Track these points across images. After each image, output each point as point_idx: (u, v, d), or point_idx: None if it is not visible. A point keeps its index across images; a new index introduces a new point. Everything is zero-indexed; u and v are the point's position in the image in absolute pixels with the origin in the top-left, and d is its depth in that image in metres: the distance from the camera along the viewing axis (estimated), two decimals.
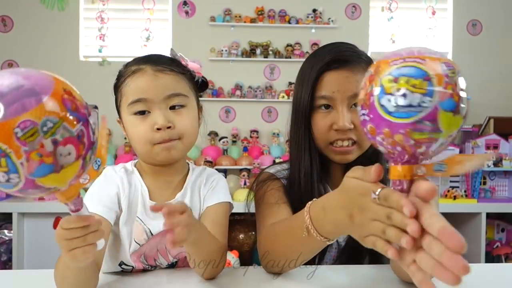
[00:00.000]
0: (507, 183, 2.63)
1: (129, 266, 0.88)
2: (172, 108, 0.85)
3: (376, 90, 0.49)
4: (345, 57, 0.89)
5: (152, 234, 0.86)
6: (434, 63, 0.47)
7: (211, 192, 0.93)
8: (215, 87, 2.98)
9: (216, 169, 2.77)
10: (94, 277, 0.76)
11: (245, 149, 2.82)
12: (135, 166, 0.92)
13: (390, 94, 0.47)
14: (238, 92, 2.97)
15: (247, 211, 1.02)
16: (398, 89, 0.47)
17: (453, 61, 0.49)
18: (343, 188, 0.60)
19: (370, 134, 0.51)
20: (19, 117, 0.41)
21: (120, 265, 0.88)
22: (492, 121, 2.79)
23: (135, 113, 0.83)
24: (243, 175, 2.56)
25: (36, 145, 0.41)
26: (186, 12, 3.02)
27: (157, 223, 0.86)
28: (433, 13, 3.10)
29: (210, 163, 2.60)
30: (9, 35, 2.96)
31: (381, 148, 0.52)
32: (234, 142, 2.92)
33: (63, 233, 0.56)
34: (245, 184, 2.51)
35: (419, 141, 0.48)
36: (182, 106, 0.86)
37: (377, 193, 0.53)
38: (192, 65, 0.91)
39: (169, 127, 0.82)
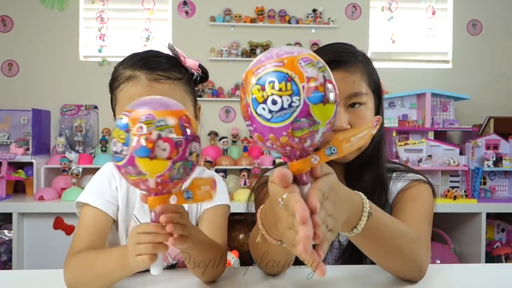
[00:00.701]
0: (507, 183, 2.63)
1: None
2: None
3: (250, 101, 0.51)
4: (341, 58, 0.89)
5: None
6: (292, 62, 0.49)
7: None
8: (215, 87, 2.98)
9: (216, 169, 2.78)
10: None
11: (245, 149, 2.82)
12: None
13: (262, 102, 0.49)
14: (238, 92, 2.97)
15: (247, 211, 1.02)
16: (267, 96, 0.49)
17: (311, 54, 0.51)
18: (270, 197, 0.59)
19: (260, 141, 0.53)
20: (145, 111, 0.57)
21: None
22: (492, 121, 2.79)
23: None
24: (243, 175, 2.55)
25: (147, 131, 0.55)
26: (186, 12, 3.02)
27: None
28: (433, 13, 3.10)
29: (210, 163, 2.60)
30: (9, 35, 2.96)
31: (273, 151, 0.54)
32: (234, 142, 2.92)
33: (137, 237, 0.63)
34: (245, 184, 2.51)
35: (303, 137, 0.50)
36: None
37: (282, 198, 0.52)
38: (190, 63, 0.89)
39: None
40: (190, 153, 0.58)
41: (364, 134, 0.56)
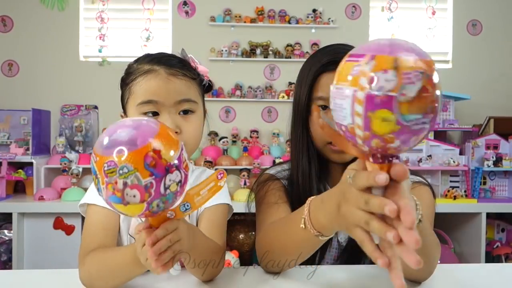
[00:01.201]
0: (507, 183, 2.63)
1: None
2: (181, 113, 0.85)
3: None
4: (341, 59, 0.90)
5: None
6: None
7: None
8: (215, 87, 2.98)
9: (216, 170, 2.78)
10: None
11: (245, 149, 2.82)
12: None
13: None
14: (238, 92, 2.98)
15: (247, 211, 1.03)
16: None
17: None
18: (341, 180, 0.60)
19: None
20: (108, 158, 0.54)
21: None
22: (492, 121, 2.79)
23: (144, 114, 0.84)
24: (243, 175, 2.55)
25: (112, 180, 0.54)
26: (186, 12, 3.02)
27: None
28: (433, 13, 3.10)
29: (210, 163, 2.60)
30: (9, 35, 2.96)
31: None
32: (234, 142, 2.92)
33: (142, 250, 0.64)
34: (245, 184, 2.51)
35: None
36: (191, 112, 0.86)
37: (350, 176, 0.53)
38: (201, 69, 0.91)
39: (176, 132, 0.82)
40: (166, 188, 0.56)
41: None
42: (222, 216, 0.93)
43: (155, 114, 0.84)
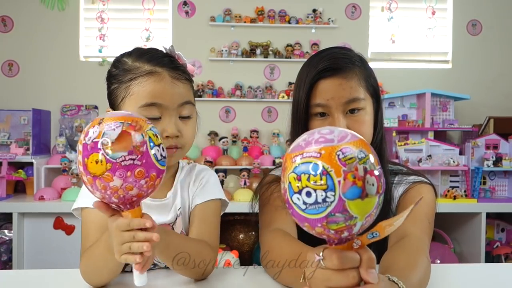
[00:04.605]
0: (507, 183, 2.63)
1: None
2: (181, 117, 0.86)
3: (287, 187, 0.49)
4: (337, 65, 0.90)
5: None
6: (329, 154, 0.47)
7: (200, 190, 0.93)
8: (215, 87, 2.98)
9: (216, 169, 2.78)
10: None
11: (245, 149, 2.82)
12: None
13: (297, 192, 0.48)
14: (238, 92, 2.98)
15: (251, 211, 1.03)
16: (302, 188, 0.47)
17: (353, 141, 0.48)
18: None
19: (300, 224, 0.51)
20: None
21: None
22: (492, 121, 2.79)
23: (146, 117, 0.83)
24: (243, 175, 2.55)
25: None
26: (186, 12, 3.02)
27: None
28: (433, 13, 3.10)
29: (210, 163, 2.60)
30: (9, 35, 2.96)
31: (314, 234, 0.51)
32: (234, 142, 2.92)
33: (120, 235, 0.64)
34: (245, 184, 2.51)
35: (339, 230, 0.48)
36: (190, 115, 0.87)
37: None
38: (189, 67, 0.91)
39: (176, 136, 0.84)
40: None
41: (403, 219, 0.52)
42: (213, 213, 0.92)
43: (156, 118, 0.83)
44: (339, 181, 0.46)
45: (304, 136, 0.50)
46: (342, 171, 0.46)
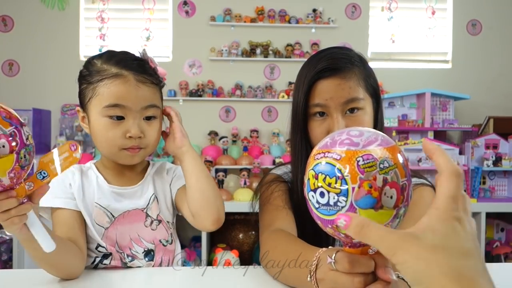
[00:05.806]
0: (506, 182, 2.63)
1: (103, 247, 0.91)
2: (145, 118, 0.89)
3: (306, 182, 0.49)
4: (336, 65, 0.90)
5: (114, 216, 0.92)
6: (349, 159, 0.45)
7: (176, 178, 1.00)
8: (215, 87, 2.99)
9: (216, 169, 2.78)
10: (70, 256, 0.82)
11: (245, 148, 2.82)
12: (94, 164, 0.98)
13: (313, 190, 0.48)
14: (238, 92, 2.98)
15: (251, 211, 1.03)
16: (318, 187, 0.47)
17: (377, 149, 0.46)
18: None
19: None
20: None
21: (97, 248, 0.92)
22: (492, 121, 2.80)
23: (110, 117, 0.86)
24: (243, 175, 2.56)
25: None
26: (186, 12, 3.02)
27: (121, 206, 0.93)
28: (433, 13, 3.10)
29: (210, 163, 2.60)
30: (10, 35, 2.97)
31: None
32: (234, 141, 2.93)
33: None
34: (245, 183, 2.51)
35: (349, 235, 0.46)
36: (154, 117, 0.91)
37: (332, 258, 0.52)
38: (160, 70, 0.94)
39: (139, 137, 0.87)
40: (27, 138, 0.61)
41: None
42: None
43: (120, 118, 0.87)
44: (353, 188, 0.44)
45: (333, 134, 0.50)
46: (359, 178, 0.44)
